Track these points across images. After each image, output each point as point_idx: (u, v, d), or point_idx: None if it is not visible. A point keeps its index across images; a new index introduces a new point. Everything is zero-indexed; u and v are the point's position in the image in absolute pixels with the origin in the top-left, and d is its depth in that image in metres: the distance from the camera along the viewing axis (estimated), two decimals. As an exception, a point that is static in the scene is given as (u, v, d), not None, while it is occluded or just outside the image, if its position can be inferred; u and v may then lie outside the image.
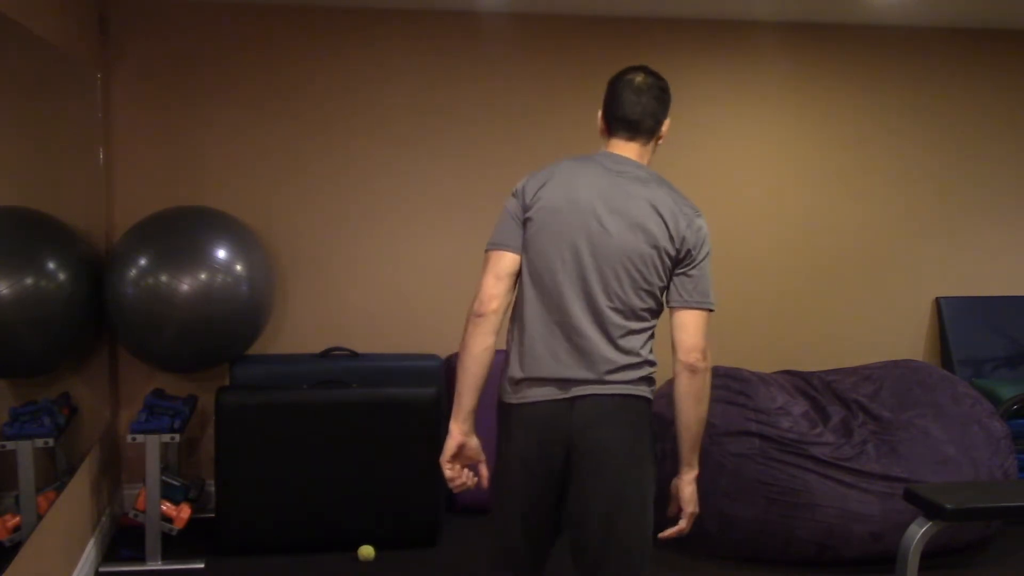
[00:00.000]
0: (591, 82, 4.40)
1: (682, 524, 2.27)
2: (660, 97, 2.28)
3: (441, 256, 4.36)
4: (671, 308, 2.22)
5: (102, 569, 3.57)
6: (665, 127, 2.32)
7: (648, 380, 2.25)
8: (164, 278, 3.54)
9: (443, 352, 4.30)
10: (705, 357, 2.19)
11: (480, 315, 2.18)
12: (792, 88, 4.57)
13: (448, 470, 2.25)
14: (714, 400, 3.80)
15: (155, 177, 4.12)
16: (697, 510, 2.28)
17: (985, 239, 4.78)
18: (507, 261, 2.22)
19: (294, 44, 4.19)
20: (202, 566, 3.61)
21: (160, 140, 4.12)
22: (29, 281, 2.84)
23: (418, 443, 3.75)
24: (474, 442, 2.26)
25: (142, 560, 3.60)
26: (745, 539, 3.64)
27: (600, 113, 2.34)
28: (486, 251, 2.25)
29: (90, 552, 3.52)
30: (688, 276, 2.20)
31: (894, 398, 3.95)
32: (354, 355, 4.13)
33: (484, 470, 2.27)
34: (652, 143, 2.31)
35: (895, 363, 4.20)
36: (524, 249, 2.23)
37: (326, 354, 4.14)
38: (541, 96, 4.34)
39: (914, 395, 3.93)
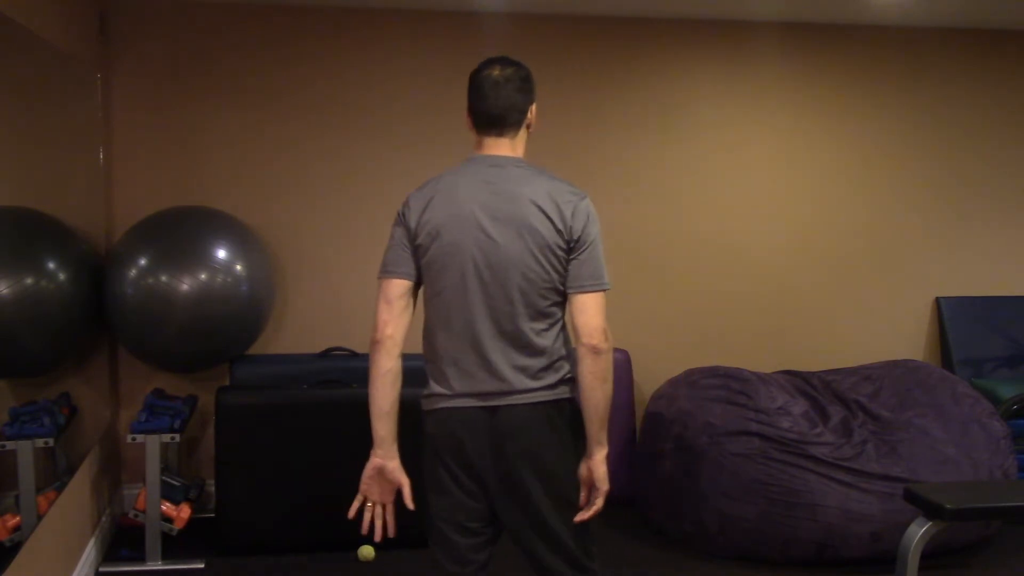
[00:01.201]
0: (591, 82, 4.41)
1: (599, 503, 2.25)
2: (521, 87, 2.30)
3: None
4: (568, 293, 2.23)
5: (102, 569, 3.57)
6: (531, 114, 2.34)
7: (566, 380, 2.27)
8: (164, 278, 3.54)
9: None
10: (607, 337, 2.20)
11: (377, 342, 2.22)
12: (792, 88, 4.57)
13: (359, 501, 2.26)
14: (714, 400, 3.80)
15: (155, 177, 4.12)
16: (608, 487, 2.27)
17: (985, 239, 4.78)
18: (396, 287, 2.24)
19: (294, 44, 4.19)
20: (202, 566, 3.61)
21: (160, 140, 4.12)
22: (29, 281, 2.84)
23: (417, 443, 3.74)
24: (393, 464, 2.25)
25: (142, 560, 3.60)
26: (745, 539, 3.64)
27: (467, 110, 2.33)
28: (378, 278, 2.28)
29: (90, 552, 3.52)
30: (580, 260, 2.21)
31: (894, 398, 3.95)
32: (354, 355, 4.13)
33: (408, 491, 2.26)
34: (522, 131, 2.33)
35: (895, 363, 4.20)
36: (423, 274, 2.25)
37: (326, 354, 4.14)
38: (542, 96, 4.32)
39: (914, 395, 3.93)
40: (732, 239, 4.59)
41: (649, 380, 4.46)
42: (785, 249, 4.64)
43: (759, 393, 3.79)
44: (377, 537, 2.26)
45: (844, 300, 4.70)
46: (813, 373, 4.19)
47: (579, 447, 2.27)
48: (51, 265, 3.09)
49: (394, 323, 2.22)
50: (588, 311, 2.20)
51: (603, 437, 2.26)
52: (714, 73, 4.50)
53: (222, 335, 3.69)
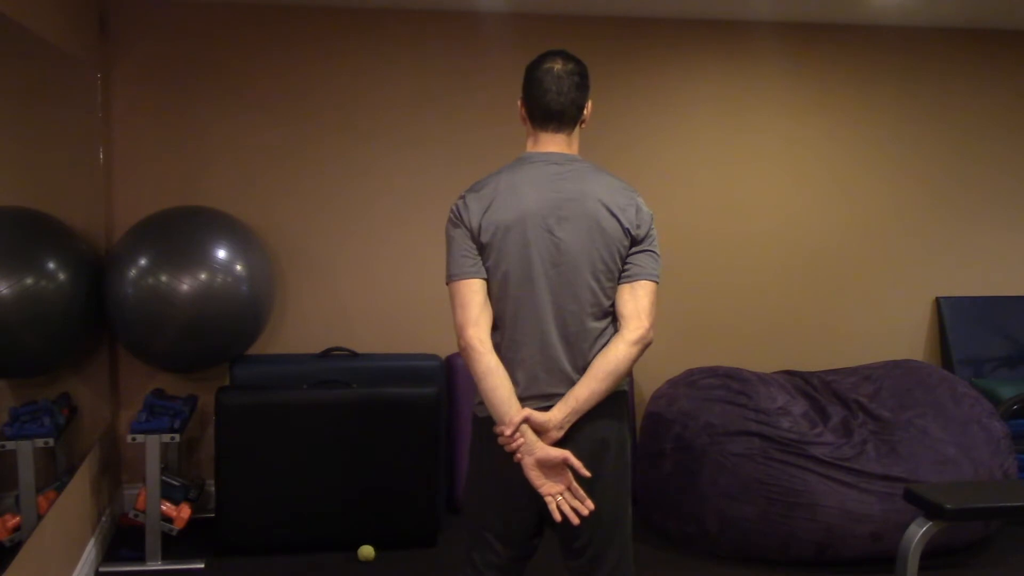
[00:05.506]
0: (592, 82, 4.40)
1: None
2: (580, 84, 2.26)
3: (441, 256, 4.35)
4: (628, 281, 2.21)
5: (102, 569, 3.57)
6: (587, 111, 2.31)
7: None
8: (164, 278, 3.54)
9: (443, 352, 4.30)
10: (652, 323, 2.19)
11: (464, 348, 2.15)
12: (791, 88, 4.57)
13: (552, 502, 2.13)
14: (714, 400, 3.81)
15: (155, 177, 4.12)
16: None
17: (985, 239, 4.78)
18: (470, 287, 2.17)
19: (294, 44, 4.19)
20: (202, 566, 3.61)
21: (160, 140, 4.12)
22: (29, 281, 2.84)
23: (418, 443, 3.75)
24: (543, 449, 2.12)
25: (142, 560, 3.60)
26: (745, 539, 3.64)
27: (520, 101, 2.30)
28: (448, 284, 2.20)
29: (90, 552, 3.52)
30: (642, 255, 2.22)
31: (894, 398, 3.95)
32: (354, 355, 4.13)
33: (575, 460, 2.12)
34: (577, 128, 2.31)
35: (895, 363, 4.20)
36: (487, 277, 2.19)
37: (326, 354, 4.14)
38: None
39: (914, 395, 3.93)
40: (731, 238, 4.58)
41: (649, 380, 4.46)
42: (785, 249, 4.64)
43: (759, 393, 3.79)
44: (584, 512, 2.13)
45: (844, 300, 4.70)
46: (813, 373, 4.19)
47: (630, 436, 2.27)
48: (51, 265, 3.09)
49: (475, 325, 2.14)
50: (650, 296, 2.19)
51: (580, 405, 2.16)
52: (714, 73, 4.50)
53: (222, 335, 3.69)
